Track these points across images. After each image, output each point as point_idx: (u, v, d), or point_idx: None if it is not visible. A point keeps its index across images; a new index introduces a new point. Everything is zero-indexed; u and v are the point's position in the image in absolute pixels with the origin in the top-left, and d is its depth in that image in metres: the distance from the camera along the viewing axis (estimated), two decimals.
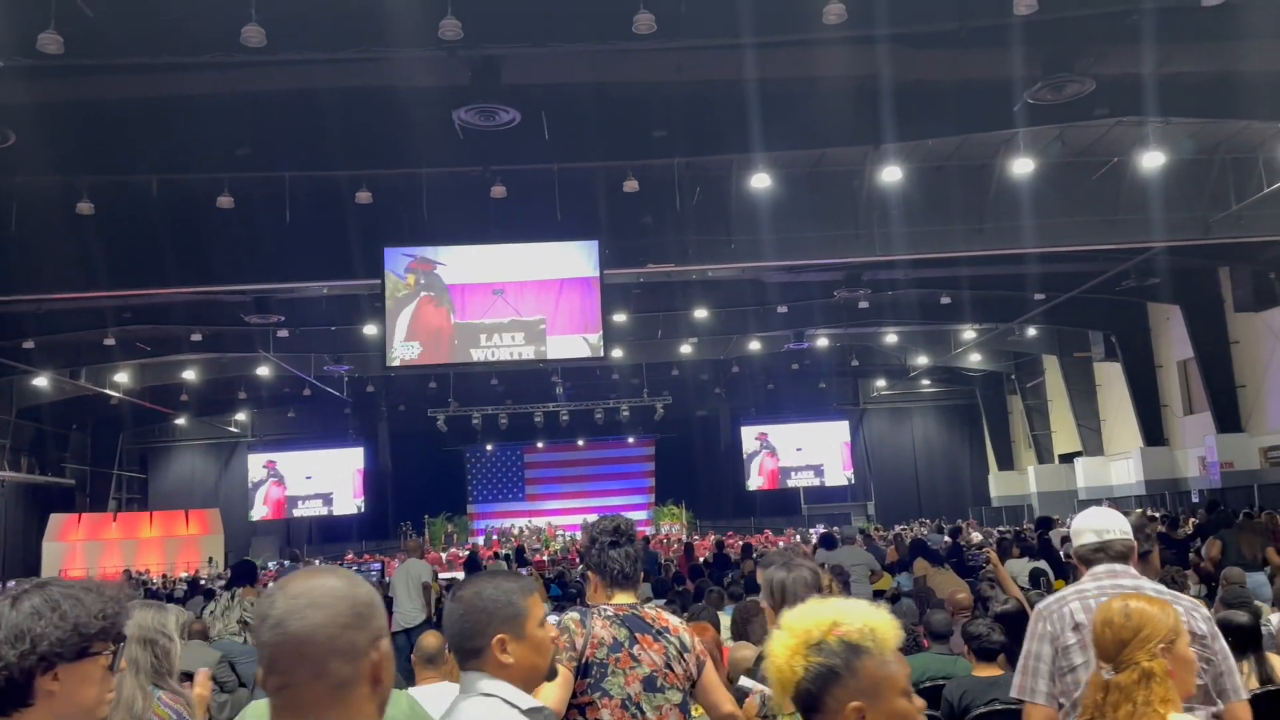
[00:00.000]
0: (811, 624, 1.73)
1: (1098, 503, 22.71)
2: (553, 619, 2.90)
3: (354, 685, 1.50)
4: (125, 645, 1.76)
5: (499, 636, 2.04)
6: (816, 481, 29.97)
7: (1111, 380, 23.54)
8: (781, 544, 20.37)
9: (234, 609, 8.90)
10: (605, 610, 3.02)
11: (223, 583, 16.59)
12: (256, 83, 9.66)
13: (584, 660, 2.90)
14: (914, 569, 10.02)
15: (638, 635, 2.99)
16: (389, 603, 11.28)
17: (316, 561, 20.13)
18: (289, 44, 8.23)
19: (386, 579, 14.35)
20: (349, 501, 28.75)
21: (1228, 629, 4.44)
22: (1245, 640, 4.36)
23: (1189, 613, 2.93)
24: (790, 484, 30.02)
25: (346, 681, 1.49)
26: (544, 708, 2.07)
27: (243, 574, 9.76)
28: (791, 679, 1.71)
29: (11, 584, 1.96)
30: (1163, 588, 3.07)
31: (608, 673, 2.91)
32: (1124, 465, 23.12)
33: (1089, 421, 24.82)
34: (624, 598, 3.11)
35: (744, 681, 3.47)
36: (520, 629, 2.08)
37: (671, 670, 3.00)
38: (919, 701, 1.79)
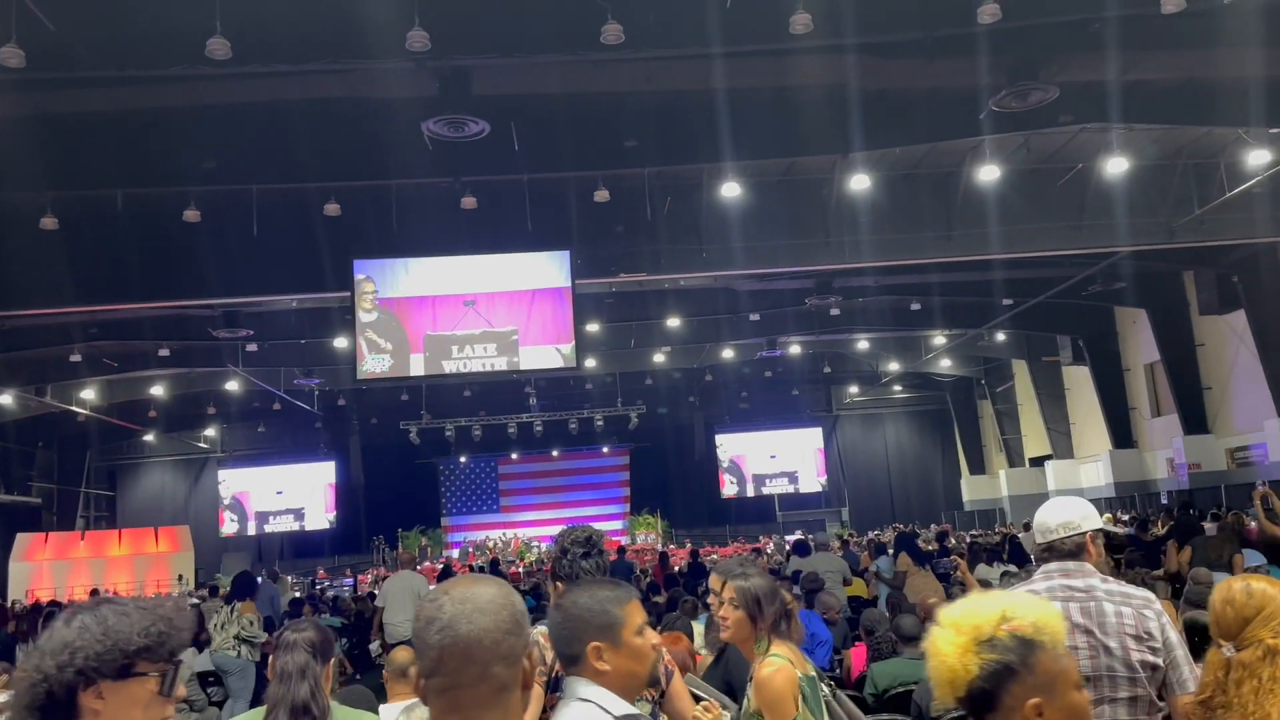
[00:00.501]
0: (981, 619, 1.68)
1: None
2: (541, 628, 2.88)
3: (511, 688, 1.58)
4: (179, 668, 1.70)
5: (594, 644, 2.11)
6: (791, 489, 30.03)
7: (1080, 384, 23.79)
8: (733, 553, 20.38)
9: (232, 624, 8.85)
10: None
11: (198, 598, 16.37)
12: (222, 95, 9.57)
13: (554, 674, 2.87)
14: (898, 563, 10.01)
15: None
16: (374, 615, 11.19)
17: (289, 578, 19.91)
18: (255, 56, 8.17)
19: (374, 592, 14.24)
20: (321, 516, 28.47)
21: (1193, 628, 4.49)
22: (1207, 638, 4.41)
23: (1139, 611, 2.94)
24: (765, 491, 30.07)
25: (506, 685, 1.56)
26: (639, 715, 2.09)
27: (242, 588, 9.69)
28: (964, 678, 1.66)
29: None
30: (1115, 584, 3.05)
31: None
32: (1094, 468, 23.36)
33: (1058, 425, 25.06)
34: None
35: (689, 680, 3.46)
36: (616, 637, 2.14)
37: None
38: None
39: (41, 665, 1.57)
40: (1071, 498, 3.24)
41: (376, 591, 12.91)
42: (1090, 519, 3.10)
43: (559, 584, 3.16)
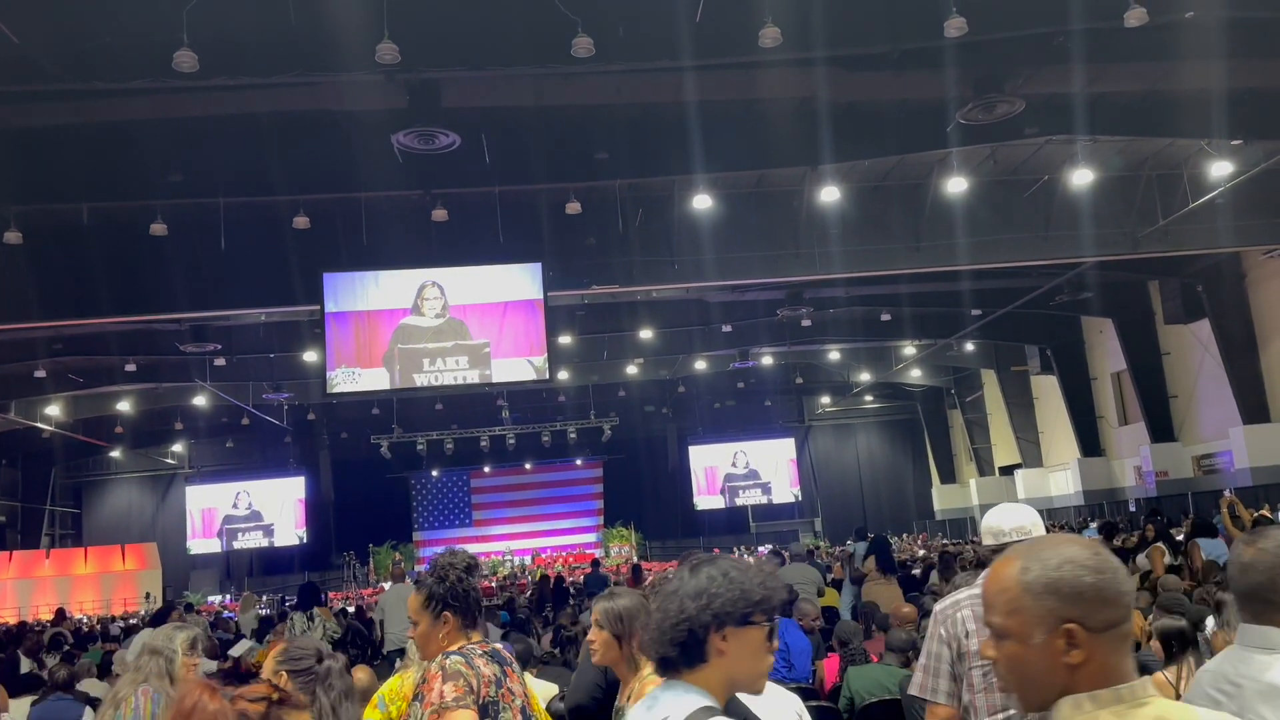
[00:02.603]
0: None
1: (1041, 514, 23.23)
2: (456, 657, 2.85)
3: None
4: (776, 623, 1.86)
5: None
6: (764, 499, 30.06)
7: (1048, 393, 24.03)
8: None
9: (316, 628, 8.89)
10: (476, 650, 2.95)
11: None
12: (189, 108, 9.49)
13: (481, 701, 2.84)
14: (865, 564, 9.94)
15: (505, 670, 2.94)
16: (372, 626, 11.13)
17: (261, 596, 19.63)
18: (222, 68, 8.10)
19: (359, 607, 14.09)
20: (290, 532, 28.16)
21: (1166, 635, 4.53)
22: (1182, 645, 4.45)
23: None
24: (738, 502, 30.08)
25: None
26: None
27: (310, 597, 9.72)
28: None
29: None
30: None
31: (500, 709, 2.85)
32: (1063, 476, 23.58)
33: (1027, 434, 25.29)
34: (477, 636, 3.05)
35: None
36: None
37: (527, 698, 3.01)
38: None
39: (684, 607, 1.77)
40: (1019, 505, 3.31)
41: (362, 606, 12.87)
42: (1039, 526, 3.16)
43: (448, 614, 2.97)
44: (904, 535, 27.29)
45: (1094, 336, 22.23)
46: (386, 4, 7.64)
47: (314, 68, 8.45)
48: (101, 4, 7.52)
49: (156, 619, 9.38)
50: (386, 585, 16.56)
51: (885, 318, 19.38)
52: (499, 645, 3.03)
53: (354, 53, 7.94)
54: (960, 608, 3.06)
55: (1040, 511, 22.03)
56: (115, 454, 27.97)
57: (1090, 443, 22.30)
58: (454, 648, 2.94)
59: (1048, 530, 3.36)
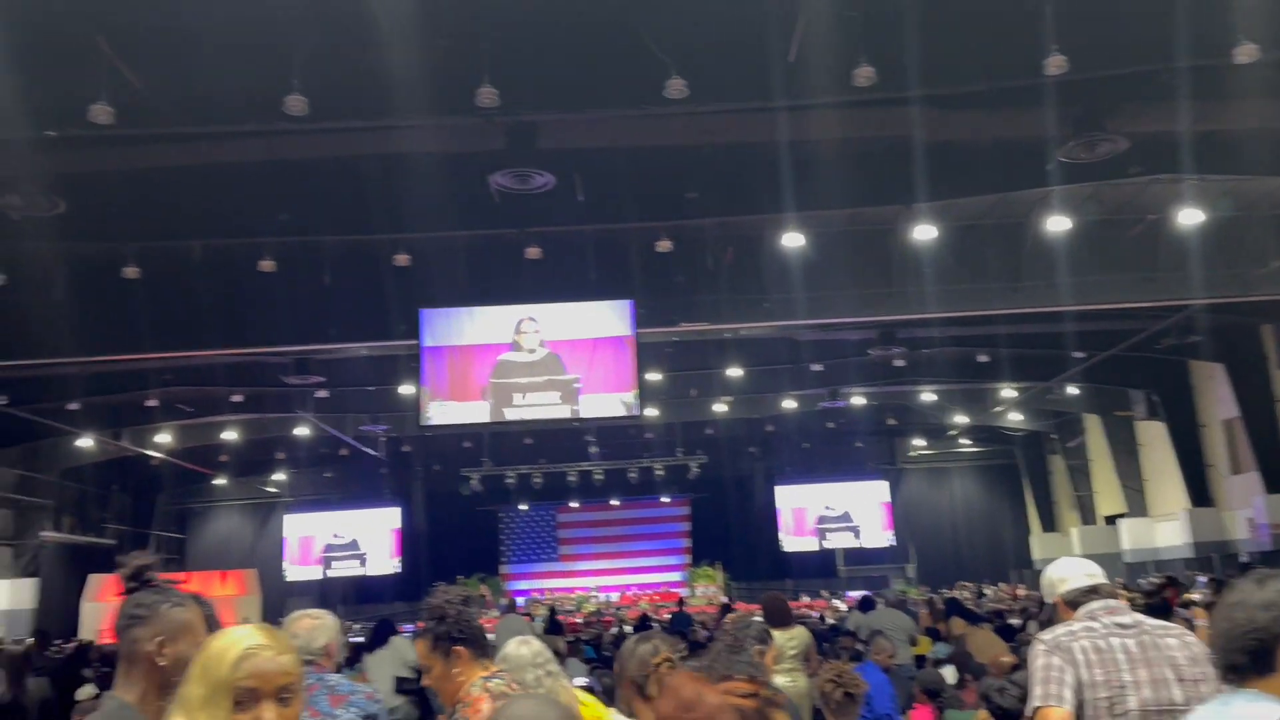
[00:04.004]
0: None
1: (1143, 567, 22.23)
2: (496, 680, 2.85)
3: None
4: None
5: None
6: (855, 542, 29.49)
7: (1154, 440, 23.11)
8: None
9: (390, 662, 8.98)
10: (500, 678, 2.94)
11: None
12: (298, 150, 9.90)
13: None
14: (951, 627, 9.78)
15: None
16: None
17: (352, 625, 20.04)
18: (330, 112, 8.45)
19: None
20: (384, 561, 28.71)
21: None
22: None
23: (1183, 639, 3.05)
24: (827, 545, 29.59)
25: None
26: None
27: (385, 634, 9.80)
28: None
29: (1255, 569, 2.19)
30: (1153, 620, 3.14)
31: None
32: (1170, 526, 22.58)
33: (1132, 482, 24.34)
34: (491, 665, 3.03)
35: None
36: None
37: None
38: None
39: (1254, 618, 1.81)
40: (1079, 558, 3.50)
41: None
42: (1100, 577, 3.34)
43: (458, 648, 2.95)
44: (1000, 584, 26.46)
45: (1203, 382, 21.32)
46: (488, 50, 7.89)
47: (417, 112, 8.74)
48: (218, 50, 7.92)
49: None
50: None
51: (982, 359, 18.96)
52: (586, 680, 3.06)
53: (456, 97, 8.21)
54: (1077, 638, 3.06)
55: (1147, 564, 21.20)
56: (219, 481, 28.98)
57: (1200, 492, 21.32)
58: (477, 677, 2.94)
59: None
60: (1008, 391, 23.15)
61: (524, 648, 3.20)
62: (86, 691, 9.02)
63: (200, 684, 1.91)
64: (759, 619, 4.34)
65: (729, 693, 1.99)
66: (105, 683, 10.17)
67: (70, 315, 12.90)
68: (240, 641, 1.95)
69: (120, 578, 2.18)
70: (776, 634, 5.60)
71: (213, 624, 2.26)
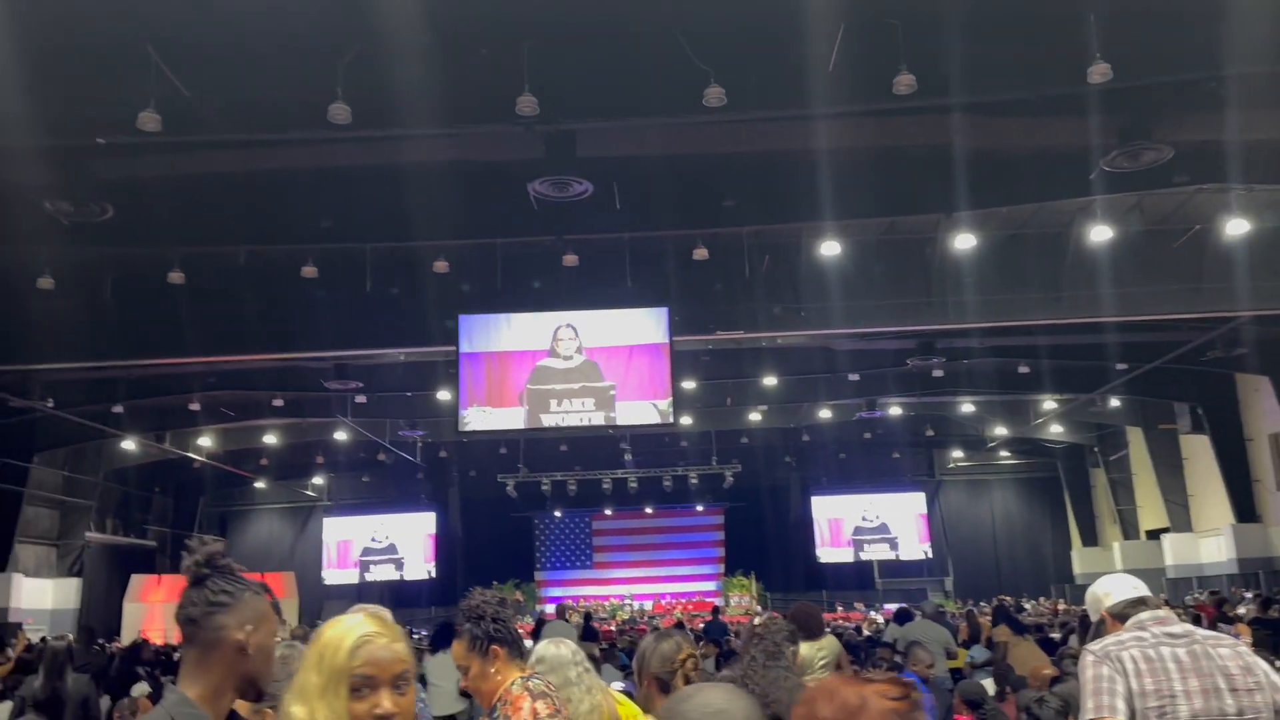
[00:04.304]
0: None
1: (1187, 583, 21.83)
2: (535, 680, 2.87)
3: None
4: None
5: None
6: (892, 555, 29.26)
7: (1199, 454, 22.69)
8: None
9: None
10: (538, 678, 2.96)
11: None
12: (341, 158, 10.04)
13: None
14: (996, 634, 9.66)
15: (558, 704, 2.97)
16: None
17: None
18: (373, 121, 8.56)
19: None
20: (420, 566, 28.93)
21: None
22: None
23: (1235, 649, 3.03)
24: (864, 556, 29.38)
25: None
26: None
27: (446, 636, 9.92)
28: None
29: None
30: (1203, 629, 3.12)
31: None
32: (1214, 542, 22.16)
33: (1176, 496, 23.90)
34: (527, 668, 3.06)
35: None
36: None
37: None
38: None
39: None
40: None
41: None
42: (1145, 591, 3.33)
43: (496, 647, 2.99)
44: (1039, 599, 26.10)
45: (1249, 395, 20.91)
46: (528, 59, 7.96)
47: (458, 120, 8.84)
48: (264, 60, 8.07)
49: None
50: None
51: (1023, 370, 18.73)
52: (623, 684, 3.08)
53: (496, 106, 8.28)
54: (1126, 647, 3.04)
55: (1190, 579, 20.78)
56: (259, 485, 29.34)
57: (1245, 508, 20.90)
58: (515, 677, 2.96)
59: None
60: (1049, 403, 22.85)
61: (561, 647, 3.23)
62: (141, 689, 9.17)
63: (317, 672, 1.90)
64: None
65: (883, 695, 1.92)
66: (157, 682, 10.35)
67: (116, 319, 13.18)
68: (355, 630, 1.94)
69: (192, 564, 2.10)
70: (805, 645, 5.58)
71: (279, 613, 2.21)
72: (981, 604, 23.34)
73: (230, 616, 2.06)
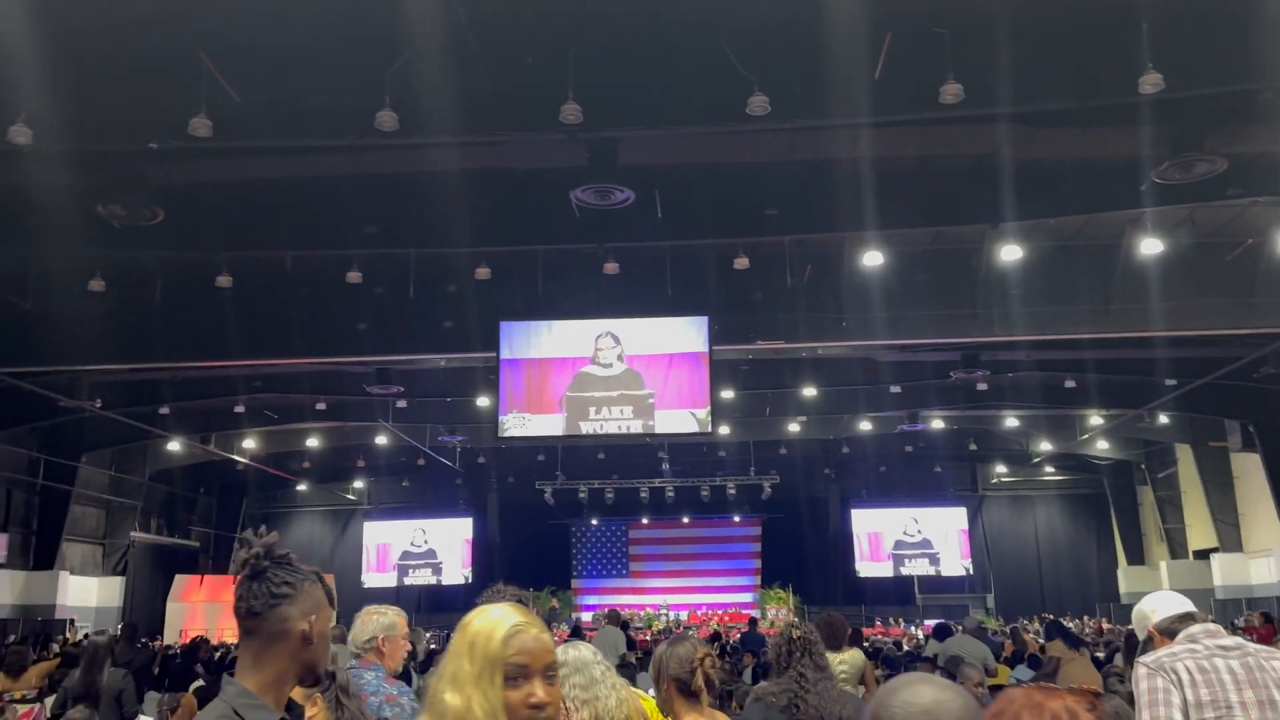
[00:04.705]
0: None
1: (1236, 604, 21.36)
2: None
3: None
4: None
5: None
6: (932, 570, 28.98)
7: (1250, 472, 22.20)
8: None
9: None
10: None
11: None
12: (387, 165, 10.17)
13: None
14: (1050, 649, 9.52)
15: None
16: None
17: (427, 632, 20.33)
18: (418, 128, 8.67)
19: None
20: (457, 571, 29.12)
21: None
22: None
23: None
24: (904, 571, 29.11)
25: None
26: None
27: None
28: None
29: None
30: (1264, 646, 3.08)
31: None
32: (1265, 563, 21.68)
33: (1226, 515, 23.40)
34: None
35: None
36: None
37: None
38: None
39: None
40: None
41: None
42: (1193, 608, 3.35)
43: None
44: (1084, 617, 25.68)
45: None
46: (573, 68, 8.02)
47: (502, 128, 8.93)
48: (313, 68, 8.21)
49: None
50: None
51: (1069, 384, 18.47)
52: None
53: (540, 113, 8.35)
54: (1179, 659, 3.01)
55: (1239, 600, 20.35)
56: (301, 487, 29.71)
57: None
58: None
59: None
60: (1095, 418, 22.50)
61: (581, 649, 3.25)
62: (196, 686, 9.32)
63: (470, 661, 1.94)
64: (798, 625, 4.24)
65: (1081, 707, 1.82)
66: (215, 679, 10.51)
67: (164, 322, 13.43)
68: (506, 619, 1.99)
69: (251, 557, 2.14)
70: (829, 656, 5.55)
71: (333, 601, 2.25)
72: (1023, 621, 23.04)
73: (294, 607, 2.10)
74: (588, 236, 11.65)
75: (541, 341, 13.40)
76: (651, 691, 4.08)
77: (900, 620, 26.87)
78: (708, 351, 13.04)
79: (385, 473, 28.52)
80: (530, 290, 13.17)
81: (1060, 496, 30.88)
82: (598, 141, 9.45)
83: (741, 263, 12.25)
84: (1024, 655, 11.14)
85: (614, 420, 13.22)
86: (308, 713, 2.01)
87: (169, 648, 18.71)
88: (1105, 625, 22.94)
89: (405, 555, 29.40)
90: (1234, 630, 12.37)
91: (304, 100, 8.69)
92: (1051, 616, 21.33)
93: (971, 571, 29.09)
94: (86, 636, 16.82)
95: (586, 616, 27.00)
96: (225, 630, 24.39)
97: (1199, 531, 25.09)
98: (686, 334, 13.20)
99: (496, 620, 1.99)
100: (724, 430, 21.04)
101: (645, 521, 30.25)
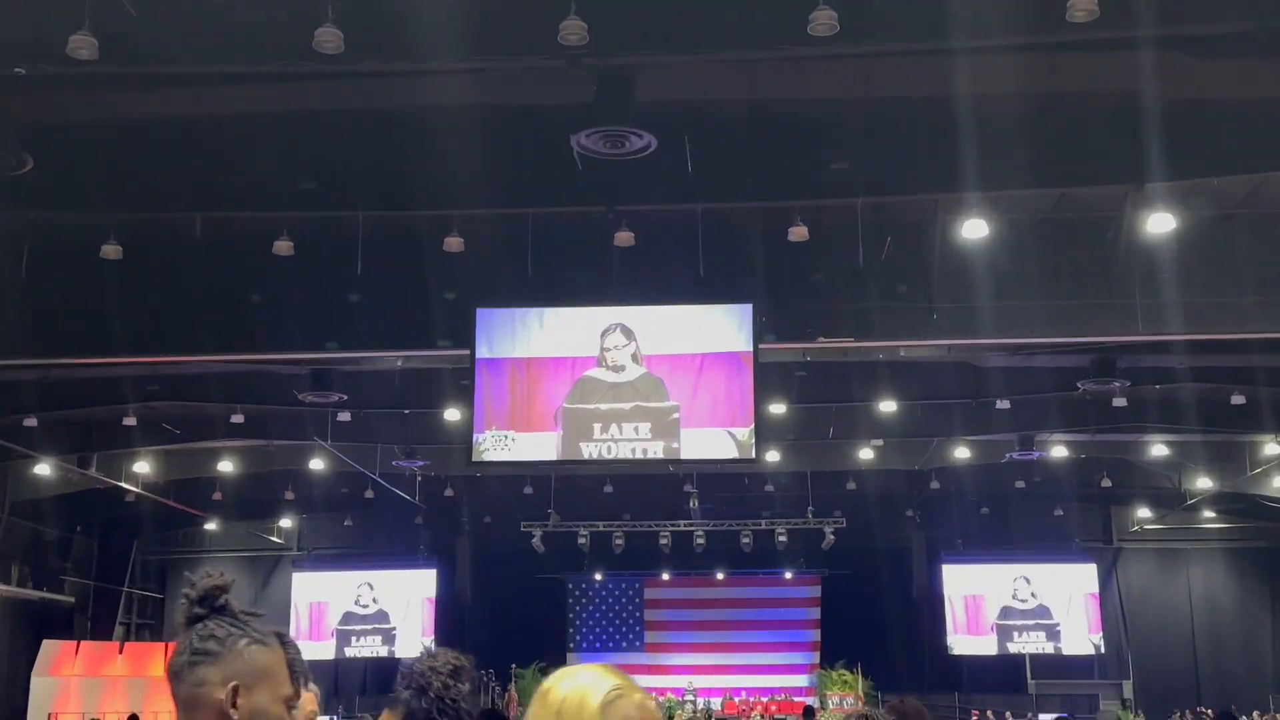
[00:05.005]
0: None
1: None
2: None
3: None
4: None
5: None
6: (1050, 647, 28.94)
7: None
8: None
9: None
10: None
11: None
12: (328, 100, 10.21)
13: None
14: None
15: None
16: None
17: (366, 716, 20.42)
18: (371, 52, 8.71)
19: None
20: (415, 640, 29.18)
21: None
22: None
23: None
24: (1012, 649, 29.06)
25: None
26: None
27: None
28: None
29: None
30: None
31: None
32: None
33: None
34: None
35: None
36: None
37: None
38: None
39: None
40: None
41: None
42: None
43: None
44: (1255, 713, 25.58)
45: None
46: None
47: (481, 51, 8.93)
48: None
49: None
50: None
51: (1238, 401, 18.45)
52: None
53: (532, 33, 8.37)
54: None
55: None
56: (210, 526, 29.87)
57: None
58: None
59: None
60: (1272, 446, 22.43)
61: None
62: None
63: None
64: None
65: None
66: None
67: (31, 305, 13.47)
68: (599, 684, 2.04)
69: (187, 601, 2.16)
70: None
71: (298, 672, 2.26)
72: (1175, 716, 22.99)
73: (214, 669, 2.10)
74: (593, 197, 11.68)
75: (530, 336, 13.43)
76: None
77: (1008, 714, 26.83)
78: (752, 351, 13.04)
79: (322, 508, 28.64)
80: (516, 268, 13.20)
81: (1224, 550, 30.80)
82: (608, 70, 9.47)
83: (798, 233, 12.26)
84: None
85: (626, 441, 13.24)
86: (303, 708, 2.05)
87: None
88: None
89: (347, 618, 29.52)
90: None
91: (219, 13, 8.73)
92: (1212, 713, 21.26)
93: (1103, 649, 29.05)
94: None
95: None
96: (108, 714, 24.48)
97: None
98: (723, 328, 13.21)
99: (588, 686, 2.03)
100: (773, 457, 21.04)
101: (666, 577, 30.32)
